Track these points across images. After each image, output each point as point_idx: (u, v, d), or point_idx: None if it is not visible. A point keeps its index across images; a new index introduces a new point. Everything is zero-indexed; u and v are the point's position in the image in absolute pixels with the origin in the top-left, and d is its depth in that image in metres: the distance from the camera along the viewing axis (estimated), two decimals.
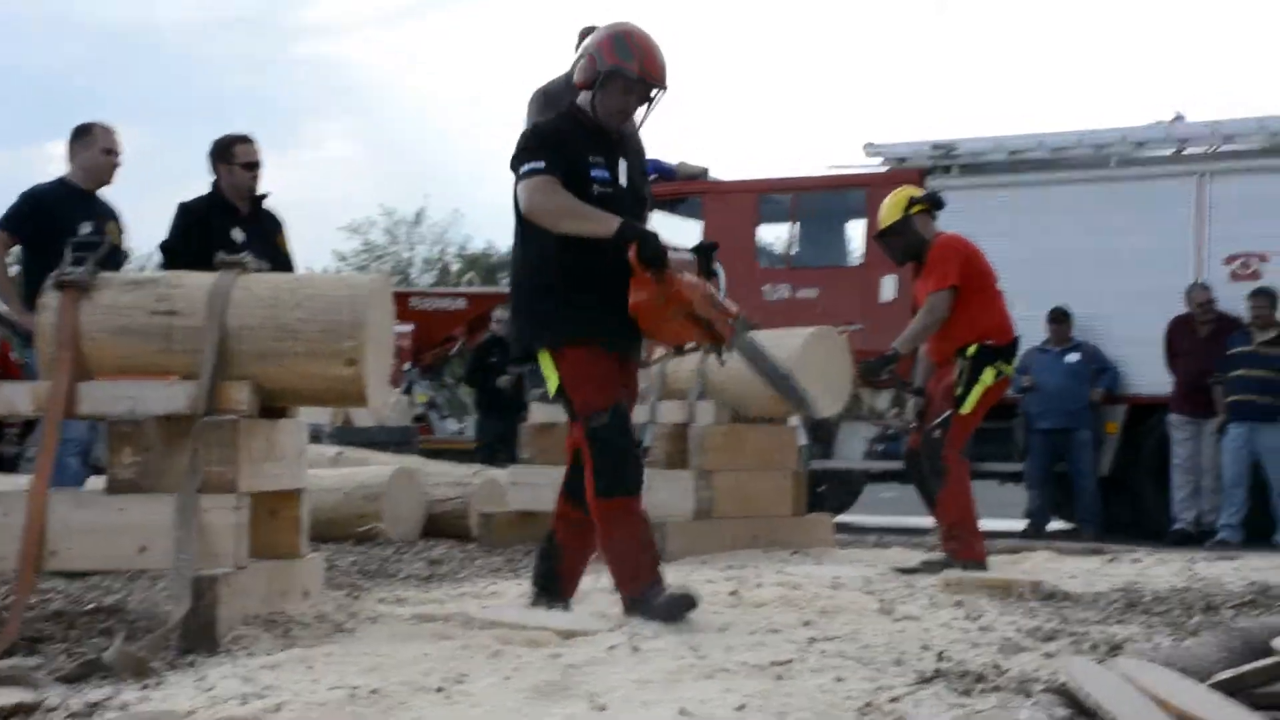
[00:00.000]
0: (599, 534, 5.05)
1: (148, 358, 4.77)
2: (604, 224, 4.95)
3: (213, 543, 4.58)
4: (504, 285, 29.42)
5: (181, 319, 4.75)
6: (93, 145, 7.24)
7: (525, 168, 5.00)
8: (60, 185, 7.25)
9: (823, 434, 12.62)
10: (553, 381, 5.12)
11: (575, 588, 5.34)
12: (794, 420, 8.88)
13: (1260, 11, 57.68)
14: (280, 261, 6.99)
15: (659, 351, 7.32)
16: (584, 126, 5.13)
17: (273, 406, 4.90)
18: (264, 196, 7.31)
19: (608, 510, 4.98)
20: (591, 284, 5.00)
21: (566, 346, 5.05)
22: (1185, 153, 12.23)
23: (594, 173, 5.05)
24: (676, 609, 4.87)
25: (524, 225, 5.08)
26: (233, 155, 7.25)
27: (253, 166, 7.25)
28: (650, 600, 4.90)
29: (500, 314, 13.64)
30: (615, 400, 5.02)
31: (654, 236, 4.96)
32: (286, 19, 59.09)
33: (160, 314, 4.76)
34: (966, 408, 7.15)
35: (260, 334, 4.70)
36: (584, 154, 5.06)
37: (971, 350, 7.14)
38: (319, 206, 55.41)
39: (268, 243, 7.05)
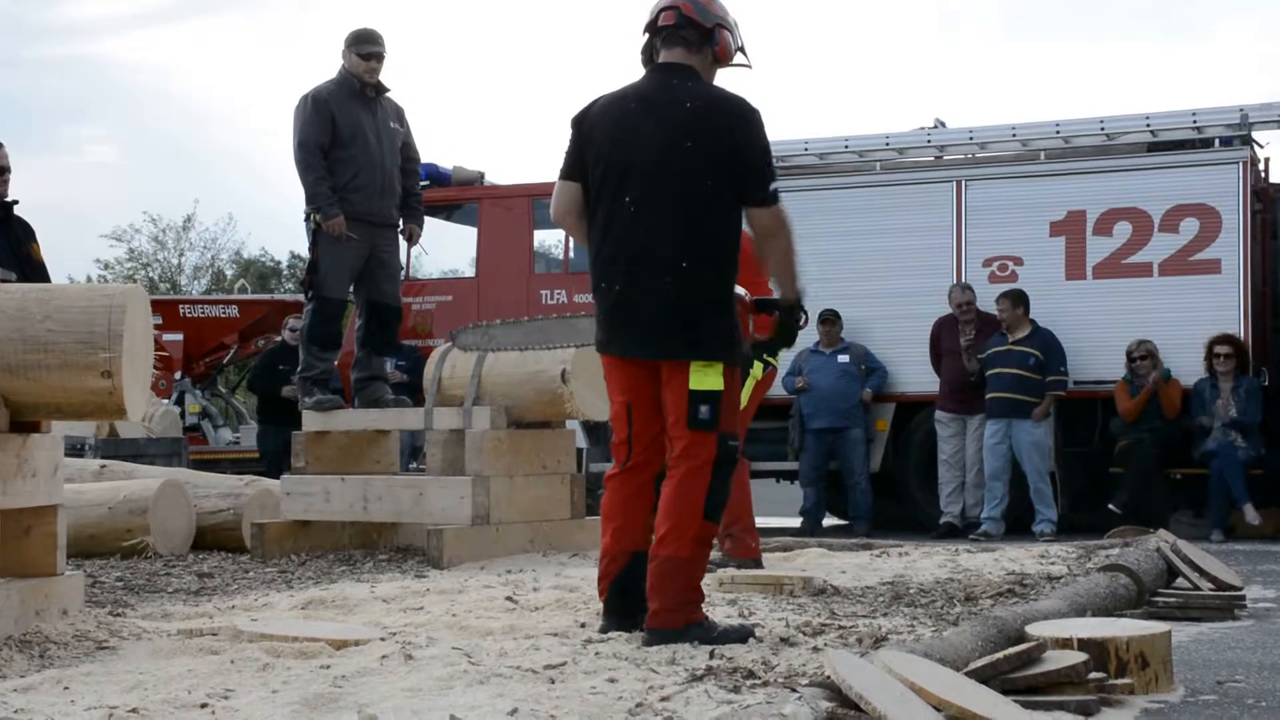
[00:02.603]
0: (689, 554, 4.71)
1: None
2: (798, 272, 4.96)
3: None
4: (281, 293, 29.00)
5: None
6: None
7: (775, 188, 4.81)
8: None
9: (602, 436, 12.69)
10: (714, 382, 4.75)
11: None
12: (572, 424, 8.89)
13: (1016, 24, 59.94)
14: (34, 271, 6.73)
15: None
16: None
17: (25, 421, 4.71)
18: (13, 203, 7.03)
19: (709, 532, 4.79)
20: None
21: (736, 366, 4.86)
22: (945, 158, 12.62)
23: None
24: (744, 634, 4.72)
25: (728, 216, 4.79)
26: None
27: (1, 172, 6.97)
28: (712, 627, 4.72)
29: (294, 322, 13.33)
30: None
31: None
32: (35, 17, 56.79)
33: None
34: (741, 403, 7.23)
35: (7, 347, 4.52)
36: None
37: None
38: (79, 214, 53.62)
39: (17, 252, 6.79)
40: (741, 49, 5.02)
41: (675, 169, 4.74)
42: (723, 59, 4.93)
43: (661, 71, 4.90)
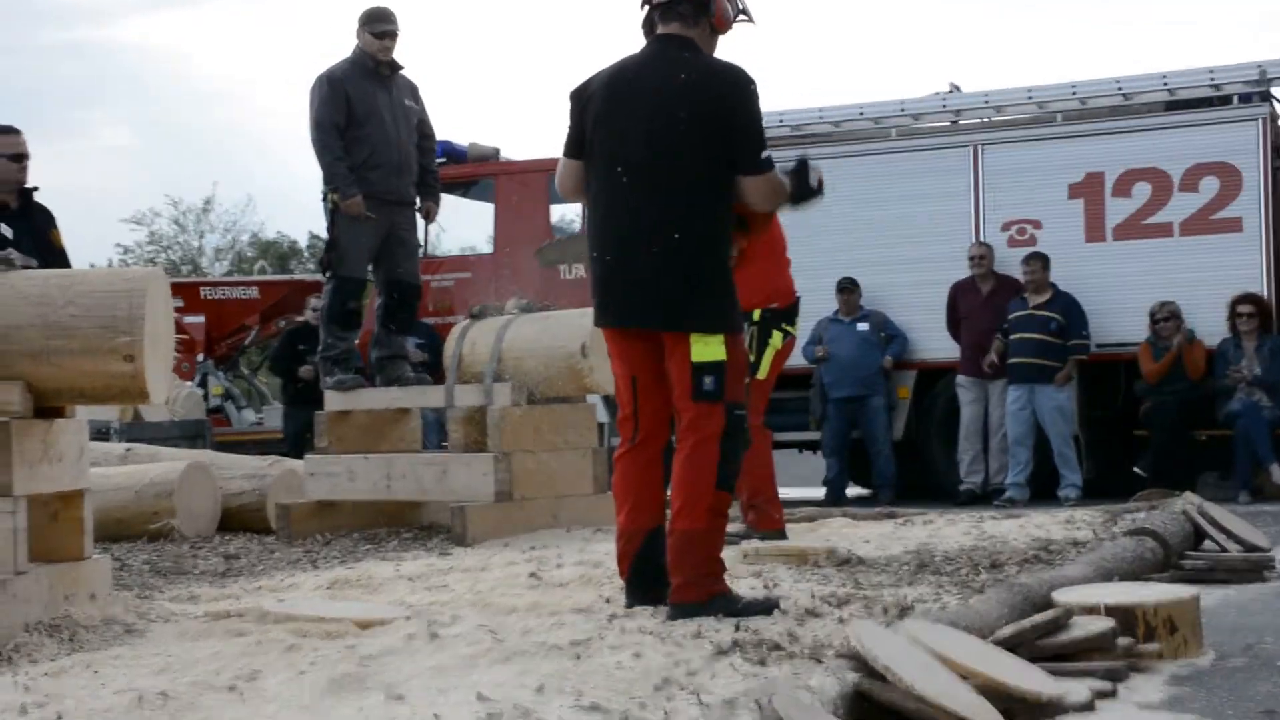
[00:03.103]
0: (705, 526, 4.69)
1: None
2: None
3: None
4: (300, 273, 29.01)
5: None
6: None
7: (768, 155, 4.78)
8: None
9: None
10: (715, 352, 4.71)
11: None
12: (593, 398, 8.88)
13: None
14: (53, 257, 6.73)
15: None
16: None
17: (49, 406, 4.72)
18: (33, 190, 7.04)
19: (723, 502, 4.77)
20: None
21: (739, 334, 4.84)
22: (961, 123, 12.56)
23: None
24: (769, 606, 4.67)
25: (722, 190, 4.75)
26: None
27: (19, 159, 6.96)
28: (736, 600, 4.69)
29: (316, 301, 13.31)
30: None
31: None
32: (43, 3, 56.60)
33: None
34: (762, 373, 7.21)
35: (30, 333, 4.52)
36: None
37: (756, 315, 7.19)
38: (99, 198, 53.64)
39: (39, 238, 6.77)
40: (743, 10, 4.99)
41: (670, 140, 4.73)
42: (720, 28, 4.91)
43: (659, 43, 4.89)
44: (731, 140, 4.74)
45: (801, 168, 4.98)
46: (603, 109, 4.85)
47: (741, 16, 5.00)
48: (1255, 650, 4.30)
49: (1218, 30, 53.84)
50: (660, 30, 4.88)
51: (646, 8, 4.94)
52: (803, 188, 4.97)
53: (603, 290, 4.86)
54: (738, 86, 4.78)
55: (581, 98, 4.94)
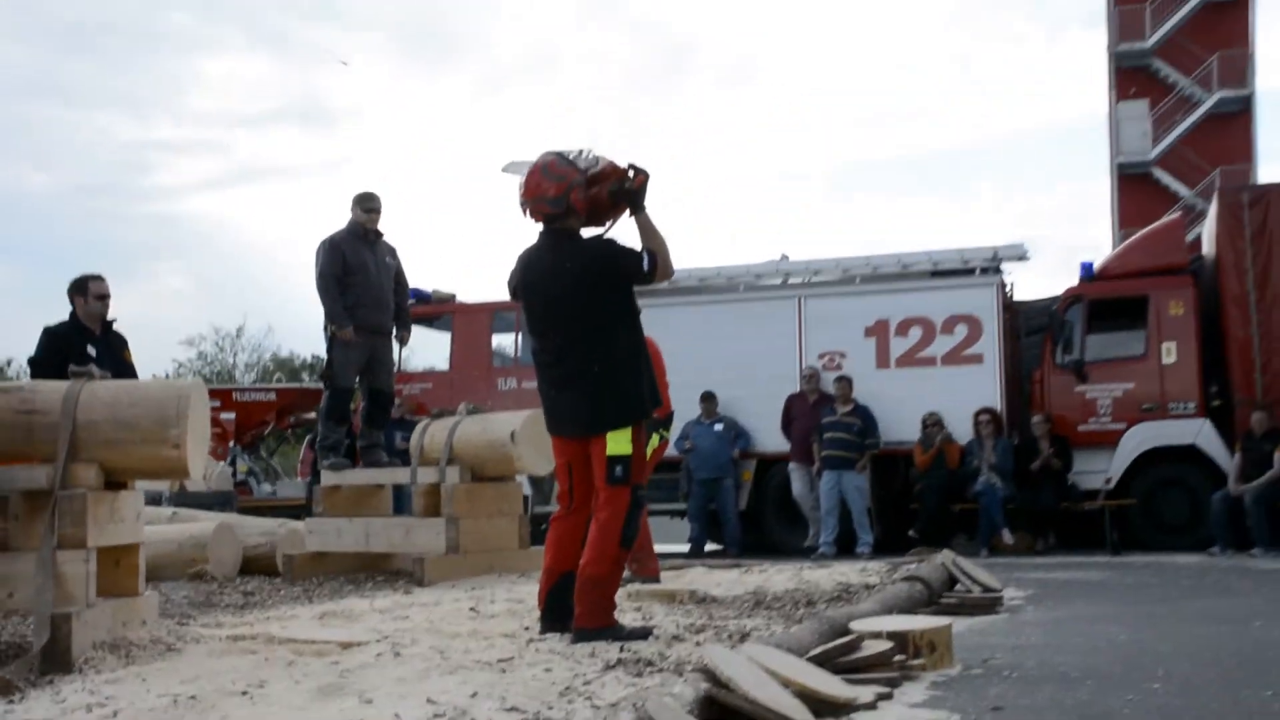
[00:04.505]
0: (607, 573, 4.64)
1: (13, 447, 4.46)
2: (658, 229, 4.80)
3: (67, 587, 4.29)
4: (308, 383, 28.60)
5: (41, 417, 4.45)
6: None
7: (644, 256, 4.72)
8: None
9: (542, 486, 12.68)
10: (622, 446, 4.73)
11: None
12: (520, 478, 8.83)
13: (840, 189, 61.05)
14: (125, 371, 6.63)
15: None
16: None
17: (116, 480, 4.63)
18: (113, 321, 6.95)
19: (622, 557, 4.73)
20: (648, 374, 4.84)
21: (642, 424, 4.79)
22: (789, 282, 12.81)
23: None
24: (645, 633, 4.67)
25: (618, 321, 4.76)
26: (87, 289, 6.87)
27: (103, 298, 6.88)
28: (621, 629, 4.67)
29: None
30: None
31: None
32: (131, 185, 56.86)
33: (23, 413, 4.46)
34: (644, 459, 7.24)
35: (103, 427, 4.44)
36: None
37: None
38: (162, 326, 53.00)
39: (116, 357, 6.68)
40: (586, 173, 4.85)
41: (570, 306, 4.79)
42: (582, 212, 4.85)
43: (547, 236, 4.91)
44: (622, 275, 4.77)
45: (629, 194, 4.81)
46: (525, 292, 4.95)
47: (586, 161, 4.88)
48: (990, 663, 4.36)
49: (968, 222, 55.70)
50: (544, 227, 4.92)
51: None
52: (639, 198, 4.82)
53: (549, 411, 4.94)
54: (602, 249, 4.84)
55: (511, 285, 5.03)
